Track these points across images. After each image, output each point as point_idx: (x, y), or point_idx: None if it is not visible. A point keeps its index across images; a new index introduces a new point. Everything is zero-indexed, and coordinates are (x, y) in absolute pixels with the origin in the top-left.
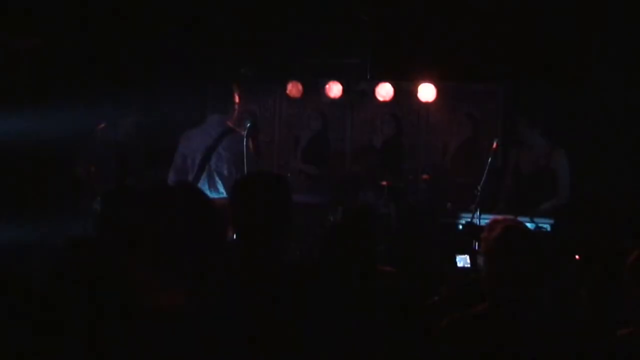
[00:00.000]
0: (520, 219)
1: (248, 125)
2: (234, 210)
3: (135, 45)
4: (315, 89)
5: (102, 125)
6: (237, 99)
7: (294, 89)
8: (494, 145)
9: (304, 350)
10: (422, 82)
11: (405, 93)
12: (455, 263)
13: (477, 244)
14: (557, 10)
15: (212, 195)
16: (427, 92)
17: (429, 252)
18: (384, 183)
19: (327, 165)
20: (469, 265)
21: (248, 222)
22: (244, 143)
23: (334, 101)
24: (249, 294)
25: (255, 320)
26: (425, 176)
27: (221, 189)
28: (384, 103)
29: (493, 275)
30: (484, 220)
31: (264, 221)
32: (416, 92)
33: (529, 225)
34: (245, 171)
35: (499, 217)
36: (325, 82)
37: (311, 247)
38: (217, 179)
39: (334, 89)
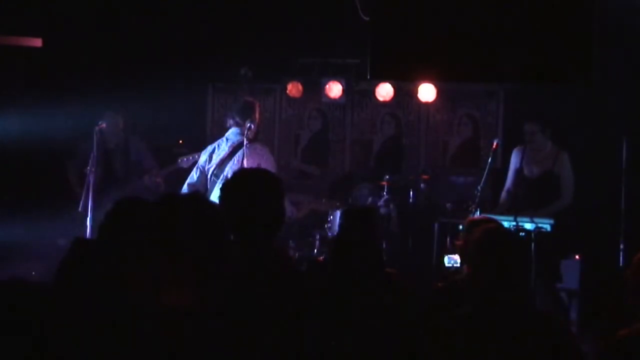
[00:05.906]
0: (520, 219)
1: (248, 125)
2: (223, 208)
3: (134, 45)
4: (315, 89)
5: (102, 125)
6: (257, 114)
7: (294, 89)
8: (494, 145)
9: (305, 350)
10: (422, 82)
11: (405, 93)
12: (444, 262)
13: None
14: (557, 10)
15: None
16: (427, 92)
17: (428, 252)
18: (384, 183)
19: (327, 165)
20: (457, 265)
21: (236, 219)
22: (264, 154)
23: (334, 101)
24: (249, 294)
25: (256, 320)
26: (425, 176)
27: None
28: (384, 103)
29: (477, 278)
30: None
31: (251, 217)
32: (416, 92)
33: (528, 225)
34: None
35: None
36: (325, 82)
37: (311, 247)
38: None
39: (334, 89)
